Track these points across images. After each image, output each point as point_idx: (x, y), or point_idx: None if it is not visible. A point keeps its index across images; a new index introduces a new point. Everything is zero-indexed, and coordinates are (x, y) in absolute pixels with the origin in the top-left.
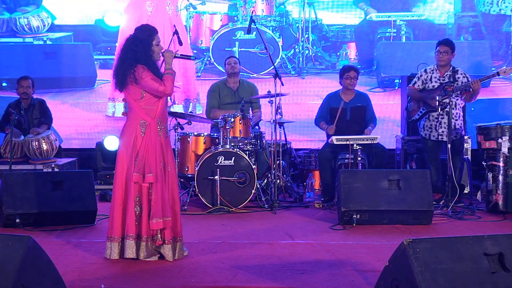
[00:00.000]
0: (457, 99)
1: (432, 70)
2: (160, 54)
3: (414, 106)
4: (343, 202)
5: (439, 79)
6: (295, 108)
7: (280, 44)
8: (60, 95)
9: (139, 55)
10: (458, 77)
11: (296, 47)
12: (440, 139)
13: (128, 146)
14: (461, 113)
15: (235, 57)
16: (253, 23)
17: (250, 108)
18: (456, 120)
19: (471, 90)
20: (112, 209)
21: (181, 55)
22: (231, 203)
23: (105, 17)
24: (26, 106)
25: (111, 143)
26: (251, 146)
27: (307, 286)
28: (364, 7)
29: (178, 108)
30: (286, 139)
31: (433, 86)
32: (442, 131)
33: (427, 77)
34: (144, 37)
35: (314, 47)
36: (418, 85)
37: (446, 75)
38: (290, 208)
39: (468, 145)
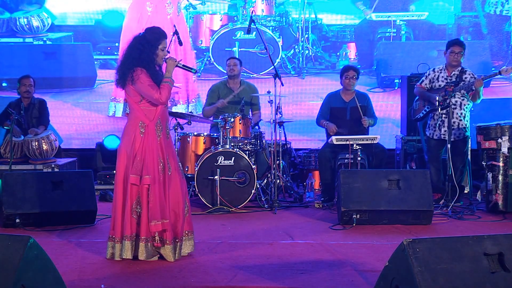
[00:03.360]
0: (463, 99)
1: (440, 70)
2: (163, 59)
3: (420, 105)
4: (343, 202)
5: (446, 79)
6: (295, 108)
7: (280, 44)
8: (60, 95)
9: (143, 55)
10: (466, 77)
11: (296, 47)
12: (442, 138)
13: (128, 146)
14: (467, 113)
15: (236, 59)
16: (253, 23)
17: (250, 109)
18: (460, 120)
19: (473, 89)
20: (113, 209)
21: (183, 65)
22: (231, 203)
23: (105, 16)
24: (26, 105)
25: (111, 143)
26: (251, 146)
27: (307, 286)
28: (361, 7)
29: (180, 109)
30: (286, 139)
31: (440, 86)
32: (445, 131)
33: (434, 76)
34: (152, 38)
35: (314, 47)
36: (426, 84)
37: (453, 74)
38: (290, 208)
39: (468, 145)
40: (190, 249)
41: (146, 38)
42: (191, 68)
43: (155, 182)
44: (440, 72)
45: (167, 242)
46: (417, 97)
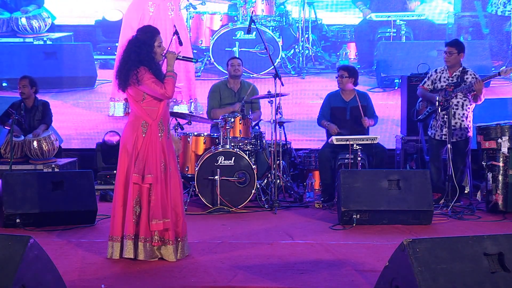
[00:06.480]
0: (465, 100)
1: (442, 70)
2: (163, 55)
3: (423, 106)
4: (343, 202)
5: (447, 79)
6: (295, 108)
7: (280, 44)
8: (60, 95)
9: (142, 56)
10: (467, 78)
11: (296, 47)
12: (444, 139)
13: (129, 146)
14: (469, 114)
15: (239, 59)
16: (253, 23)
17: (250, 109)
18: (462, 121)
19: (474, 91)
20: (113, 209)
21: (183, 57)
22: (231, 203)
23: (105, 14)
24: (29, 107)
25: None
26: (251, 146)
27: (307, 286)
28: (361, 7)
29: (182, 108)
30: (286, 139)
31: (442, 86)
32: (446, 131)
33: (436, 77)
34: (146, 38)
35: (314, 47)
36: (428, 85)
37: (455, 75)
38: (290, 208)
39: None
40: (188, 251)
41: (139, 39)
42: (192, 58)
43: (157, 182)
44: (442, 73)
45: (170, 242)
46: (420, 98)
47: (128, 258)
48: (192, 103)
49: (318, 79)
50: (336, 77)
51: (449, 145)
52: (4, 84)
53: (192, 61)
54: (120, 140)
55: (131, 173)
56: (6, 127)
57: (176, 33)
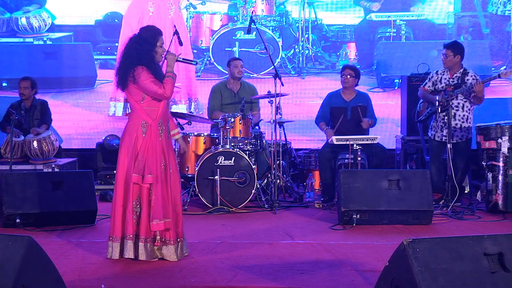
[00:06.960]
0: (465, 101)
1: (443, 72)
2: (163, 56)
3: (423, 107)
4: (343, 202)
5: (448, 81)
6: (295, 108)
7: (280, 44)
8: (60, 95)
9: (142, 54)
10: (468, 79)
11: (296, 47)
12: (444, 140)
13: (129, 146)
14: (470, 115)
15: (241, 60)
16: (253, 23)
17: (250, 110)
18: (463, 122)
19: (474, 92)
20: (113, 209)
21: (183, 59)
22: (231, 203)
23: (106, 16)
24: (28, 107)
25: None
26: (251, 146)
27: (307, 286)
28: (366, 4)
29: (181, 108)
30: (286, 139)
31: (442, 87)
32: (447, 132)
33: (437, 78)
34: (148, 37)
35: (314, 47)
36: (429, 86)
37: (455, 76)
38: (290, 208)
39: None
40: (187, 251)
41: (142, 37)
42: (192, 61)
43: (158, 182)
44: (443, 74)
45: (171, 242)
46: (421, 100)
47: (128, 258)
48: (193, 103)
49: (318, 79)
50: (341, 76)
51: (449, 145)
52: (4, 84)
53: (192, 63)
54: (120, 140)
55: (131, 173)
56: (7, 132)
57: (176, 33)
